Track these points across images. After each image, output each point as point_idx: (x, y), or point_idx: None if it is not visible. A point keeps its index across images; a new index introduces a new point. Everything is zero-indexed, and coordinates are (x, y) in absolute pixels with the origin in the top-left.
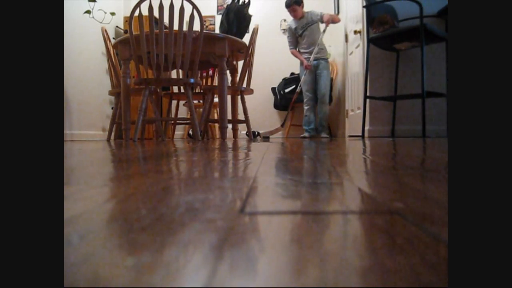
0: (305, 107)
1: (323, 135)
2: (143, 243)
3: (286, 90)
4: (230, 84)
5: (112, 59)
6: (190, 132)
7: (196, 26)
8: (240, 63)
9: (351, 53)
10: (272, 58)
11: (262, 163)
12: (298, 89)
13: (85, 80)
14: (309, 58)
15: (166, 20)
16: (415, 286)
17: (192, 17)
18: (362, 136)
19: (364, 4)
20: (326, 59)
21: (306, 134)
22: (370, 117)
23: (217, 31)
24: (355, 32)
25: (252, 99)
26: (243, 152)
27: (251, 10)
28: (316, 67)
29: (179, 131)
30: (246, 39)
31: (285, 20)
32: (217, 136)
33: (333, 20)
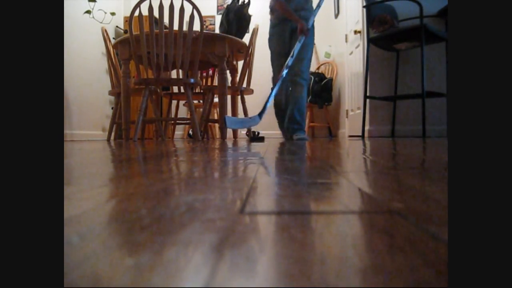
0: (275, 86)
1: (299, 135)
2: (143, 243)
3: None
4: (230, 84)
5: (112, 59)
6: (190, 132)
7: (196, 26)
8: (240, 63)
9: (351, 53)
10: None
11: (262, 163)
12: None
13: (85, 80)
14: (306, 19)
15: (166, 20)
16: (415, 286)
17: (192, 17)
18: (362, 136)
19: (364, 4)
20: (312, 24)
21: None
22: (370, 117)
23: (217, 31)
24: (355, 32)
25: (252, 99)
26: (243, 152)
27: (251, 10)
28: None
29: (179, 131)
30: (246, 39)
31: None
32: (217, 136)
33: None
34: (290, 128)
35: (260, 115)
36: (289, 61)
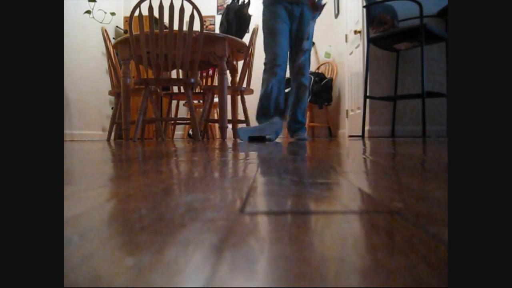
0: (268, 76)
1: (301, 135)
2: (143, 243)
3: (286, 90)
4: (230, 84)
5: (112, 59)
6: (190, 132)
7: (196, 26)
8: (240, 63)
9: (351, 53)
10: None
11: (262, 163)
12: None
13: (85, 80)
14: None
15: (166, 20)
16: (415, 286)
17: (192, 17)
18: (362, 136)
19: (364, 4)
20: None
21: (270, 135)
22: (370, 117)
23: (217, 31)
24: (355, 32)
25: (252, 99)
26: (243, 152)
27: (251, 10)
28: (298, 13)
29: (179, 131)
30: (246, 39)
31: None
32: (217, 136)
33: None
34: (292, 127)
35: (282, 115)
36: (305, 44)
